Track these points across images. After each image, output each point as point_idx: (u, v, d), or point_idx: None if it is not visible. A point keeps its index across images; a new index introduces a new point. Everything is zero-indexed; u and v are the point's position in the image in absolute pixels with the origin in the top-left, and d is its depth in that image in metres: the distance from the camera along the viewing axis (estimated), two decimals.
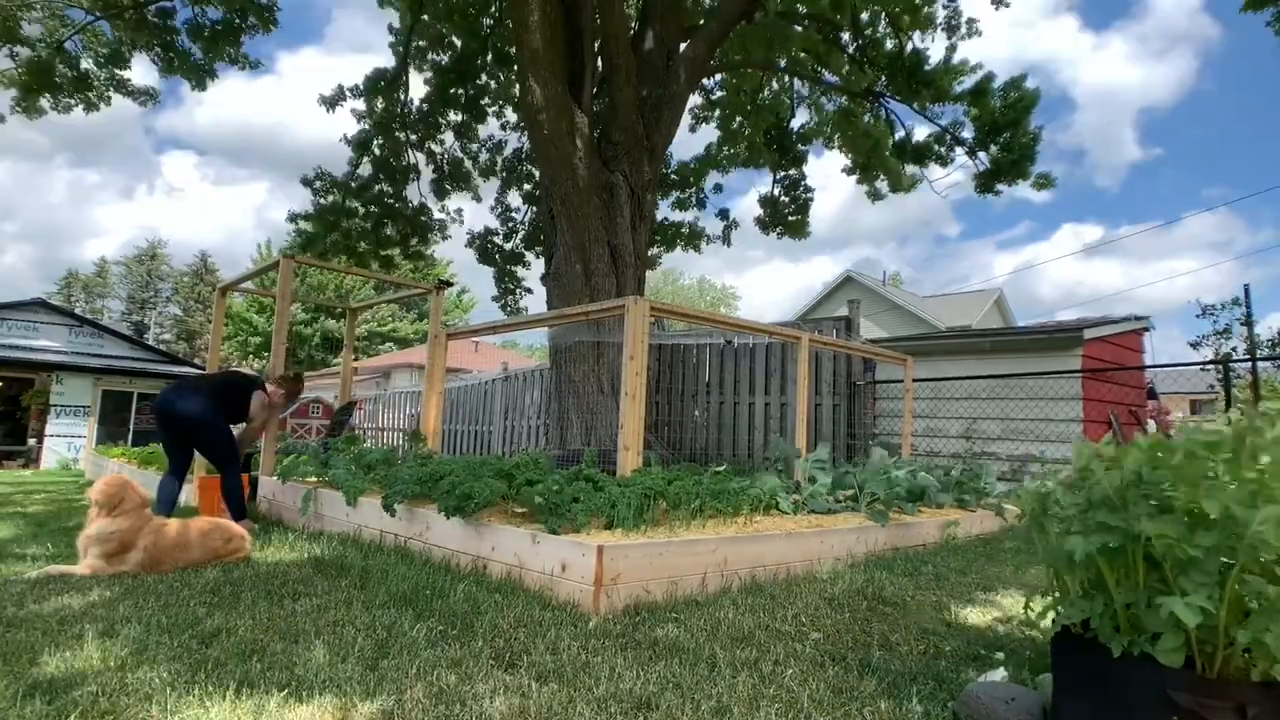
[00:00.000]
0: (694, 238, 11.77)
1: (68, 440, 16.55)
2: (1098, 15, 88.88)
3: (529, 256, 11.90)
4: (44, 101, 8.69)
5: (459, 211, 12.13)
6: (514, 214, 12.03)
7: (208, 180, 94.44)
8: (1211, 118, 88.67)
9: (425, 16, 9.99)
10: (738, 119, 11.11)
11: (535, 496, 3.18)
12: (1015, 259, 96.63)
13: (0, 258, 79.50)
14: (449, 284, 9.80)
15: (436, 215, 11.60)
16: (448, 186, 11.57)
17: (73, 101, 8.85)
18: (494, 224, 12.00)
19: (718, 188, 11.92)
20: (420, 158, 11.29)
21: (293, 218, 10.71)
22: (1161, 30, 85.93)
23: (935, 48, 9.99)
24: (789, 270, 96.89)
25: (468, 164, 11.78)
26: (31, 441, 16.75)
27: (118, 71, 8.99)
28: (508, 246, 11.83)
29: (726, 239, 11.84)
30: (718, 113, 11.55)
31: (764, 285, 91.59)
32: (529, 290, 12.00)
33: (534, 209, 11.83)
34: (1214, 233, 78.66)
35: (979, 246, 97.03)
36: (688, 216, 11.96)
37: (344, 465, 4.74)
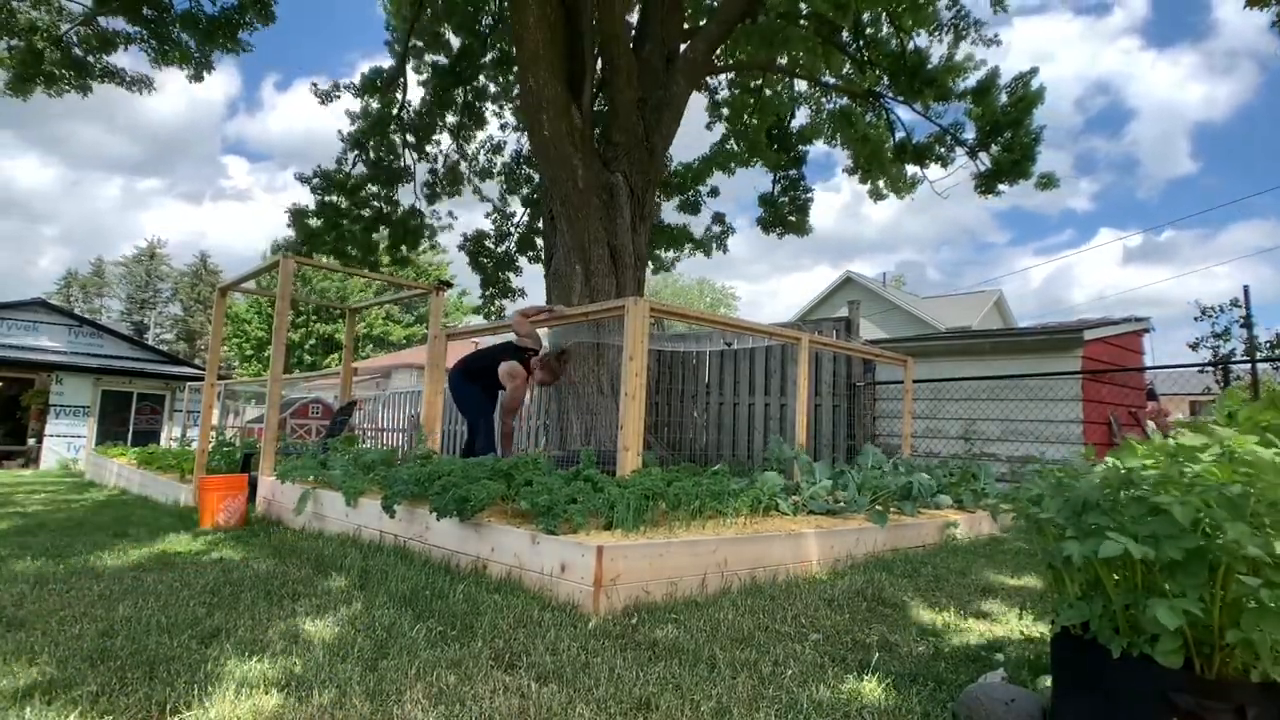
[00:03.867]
0: (689, 239, 11.77)
1: (67, 440, 16.54)
2: (1163, 32, 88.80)
3: (521, 261, 11.89)
4: (37, 86, 8.62)
5: (450, 214, 12.14)
6: (511, 218, 12.04)
7: (259, 186, 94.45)
8: (1267, 133, 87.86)
9: (426, 13, 9.98)
10: (744, 117, 11.10)
11: (534, 498, 3.18)
12: (1051, 265, 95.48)
13: (38, 260, 79.73)
14: (449, 285, 9.81)
15: (428, 220, 11.57)
16: (440, 191, 11.53)
17: (66, 88, 8.78)
18: (487, 227, 12.05)
19: (714, 191, 11.90)
20: (413, 159, 11.27)
21: (292, 217, 10.68)
22: (1228, 47, 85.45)
23: (955, 49, 9.87)
24: (831, 276, 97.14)
25: (463, 166, 11.75)
26: (31, 441, 16.75)
27: (108, 59, 8.92)
28: (500, 250, 11.81)
29: (722, 244, 11.88)
30: (726, 112, 11.54)
31: (803, 288, 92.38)
32: (523, 293, 12.01)
33: (530, 212, 11.86)
34: (1262, 239, 77.32)
35: (1020, 254, 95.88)
36: (694, 218, 11.99)
37: (343, 466, 4.73)
